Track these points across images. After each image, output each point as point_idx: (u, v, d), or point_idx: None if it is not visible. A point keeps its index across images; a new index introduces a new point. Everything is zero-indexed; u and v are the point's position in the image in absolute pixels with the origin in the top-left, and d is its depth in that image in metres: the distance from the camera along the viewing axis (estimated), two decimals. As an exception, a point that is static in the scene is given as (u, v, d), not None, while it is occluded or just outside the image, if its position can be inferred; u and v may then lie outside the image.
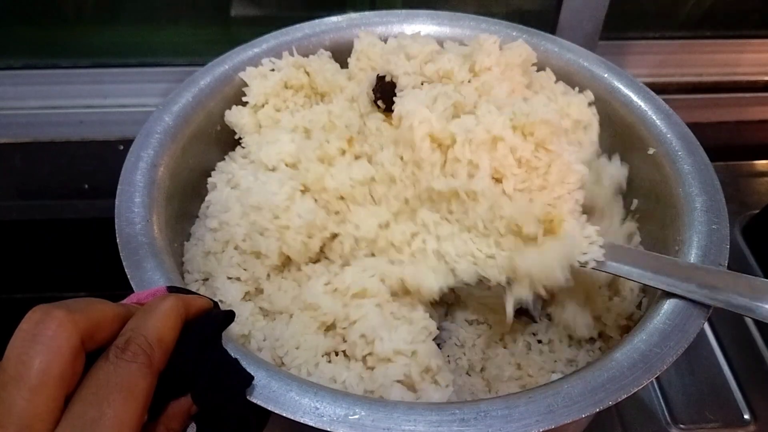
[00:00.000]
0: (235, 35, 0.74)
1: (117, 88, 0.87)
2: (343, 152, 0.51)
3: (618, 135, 0.55)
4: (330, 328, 0.45)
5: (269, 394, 0.35)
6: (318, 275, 0.48)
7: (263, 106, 0.57)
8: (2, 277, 0.75)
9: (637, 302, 0.50)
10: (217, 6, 0.86)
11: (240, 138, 0.56)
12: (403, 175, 0.48)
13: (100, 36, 0.86)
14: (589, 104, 0.54)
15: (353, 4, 0.86)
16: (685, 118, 0.53)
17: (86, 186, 0.82)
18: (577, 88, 0.55)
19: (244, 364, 0.35)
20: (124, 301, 0.34)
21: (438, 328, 0.47)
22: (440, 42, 0.56)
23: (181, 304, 0.32)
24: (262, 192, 0.48)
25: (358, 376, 0.42)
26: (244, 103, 0.57)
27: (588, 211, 0.49)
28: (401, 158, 0.48)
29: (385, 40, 0.57)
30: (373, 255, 0.48)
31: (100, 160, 0.84)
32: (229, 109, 0.56)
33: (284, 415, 0.34)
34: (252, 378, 0.35)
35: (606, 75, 0.57)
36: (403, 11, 0.63)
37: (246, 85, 0.57)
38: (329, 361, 0.44)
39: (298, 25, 0.61)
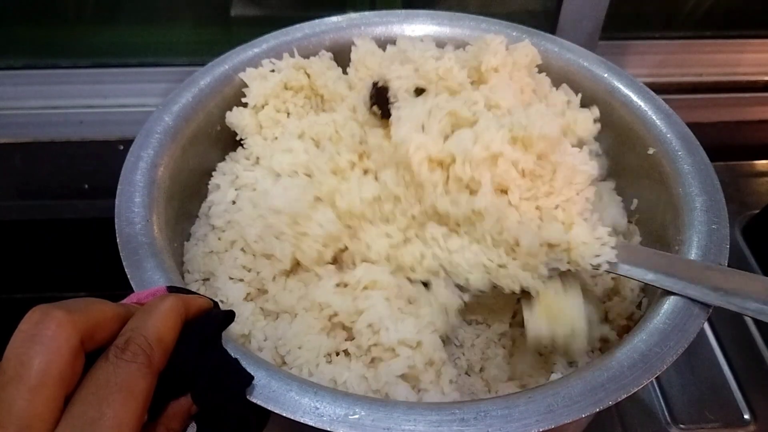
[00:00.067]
0: (235, 35, 0.74)
1: (117, 88, 0.87)
2: (353, 165, 0.50)
3: (618, 135, 0.55)
4: (335, 327, 0.45)
5: (269, 393, 0.35)
6: (330, 275, 0.48)
7: (263, 107, 0.57)
8: (2, 277, 0.75)
9: (637, 302, 0.50)
10: (217, 6, 0.86)
11: (241, 139, 0.56)
12: (408, 194, 0.47)
13: (100, 36, 0.86)
14: (595, 121, 0.53)
15: (353, 4, 0.86)
16: (685, 118, 0.53)
17: (86, 186, 0.82)
18: (580, 95, 0.55)
19: (244, 363, 0.35)
20: (124, 301, 0.34)
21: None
22: (440, 43, 0.56)
23: (181, 303, 0.32)
24: (283, 196, 0.48)
25: (360, 376, 0.42)
26: (244, 104, 0.57)
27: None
28: (404, 178, 0.47)
29: (385, 43, 0.57)
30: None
31: (100, 160, 0.84)
32: (230, 109, 0.56)
33: (284, 414, 0.34)
34: (252, 378, 0.35)
35: (606, 75, 0.57)
36: (403, 11, 0.63)
37: (246, 85, 0.57)
38: (329, 362, 0.44)
39: (298, 26, 0.61)
